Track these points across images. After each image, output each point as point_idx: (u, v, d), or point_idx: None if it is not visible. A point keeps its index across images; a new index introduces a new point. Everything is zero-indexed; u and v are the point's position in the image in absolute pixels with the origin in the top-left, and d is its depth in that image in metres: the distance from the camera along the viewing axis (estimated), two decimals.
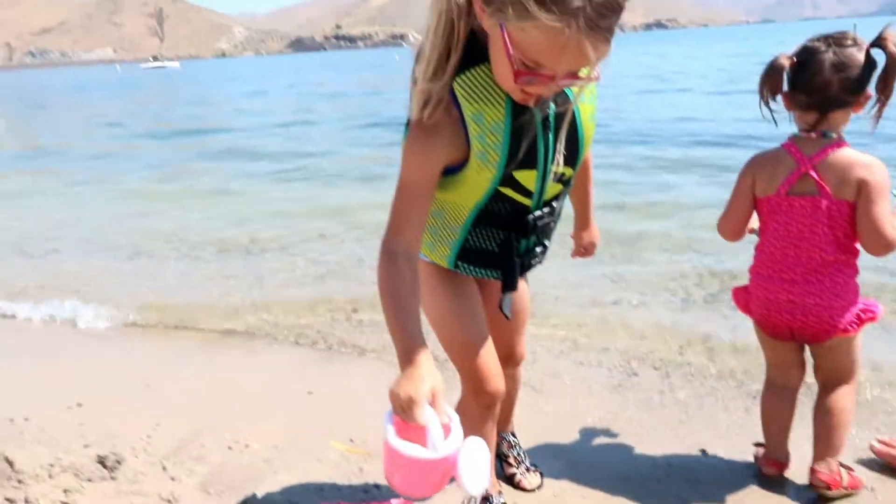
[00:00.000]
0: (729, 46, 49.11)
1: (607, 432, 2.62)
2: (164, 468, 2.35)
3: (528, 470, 2.28)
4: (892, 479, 2.24)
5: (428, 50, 1.43)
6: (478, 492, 1.23)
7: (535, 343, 3.34)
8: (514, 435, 2.33)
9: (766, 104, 2.03)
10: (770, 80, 2.01)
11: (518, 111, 1.49)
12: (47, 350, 3.66)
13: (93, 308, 4.19)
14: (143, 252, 5.56)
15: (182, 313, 4.07)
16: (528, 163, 1.57)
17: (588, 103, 1.63)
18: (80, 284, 4.73)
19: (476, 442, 1.26)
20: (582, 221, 2.20)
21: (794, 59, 1.98)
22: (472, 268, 1.78)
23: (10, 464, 2.30)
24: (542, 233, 1.76)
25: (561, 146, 1.60)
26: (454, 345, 1.83)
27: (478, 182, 1.57)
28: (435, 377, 1.28)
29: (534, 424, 2.59)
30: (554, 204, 1.73)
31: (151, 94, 34.73)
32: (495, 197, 1.61)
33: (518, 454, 2.30)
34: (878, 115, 1.94)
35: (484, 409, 1.86)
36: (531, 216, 1.68)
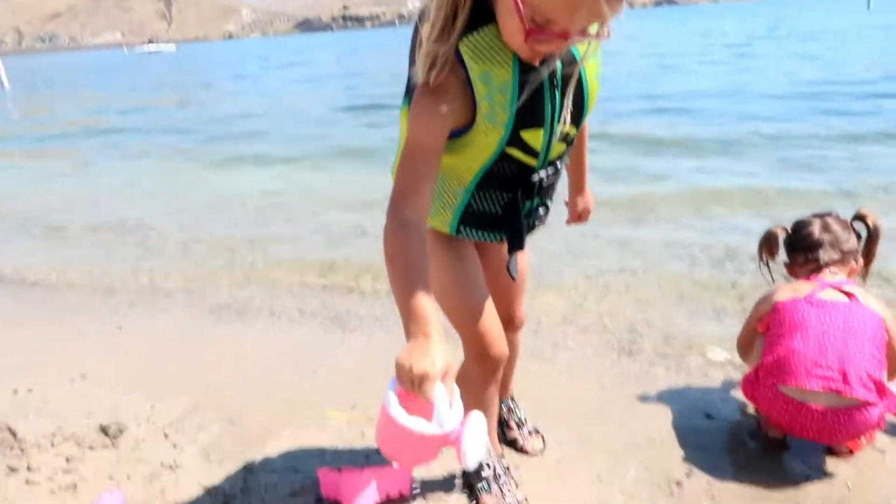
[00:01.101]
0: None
1: (612, 398, 2.61)
2: (165, 436, 2.35)
3: (530, 434, 2.27)
4: None
5: (433, 11, 1.39)
6: (474, 465, 1.25)
7: (537, 310, 3.32)
8: (513, 400, 2.32)
9: (766, 266, 2.43)
10: (767, 245, 2.42)
11: (525, 70, 1.46)
12: (51, 322, 3.65)
13: (92, 281, 4.18)
14: (144, 226, 5.53)
15: (185, 286, 4.06)
16: (535, 122, 1.54)
17: (593, 62, 1.59)
18: (81, 259, 4.72)
19: (477, 417, 1.26)
20: (577, 187, 2.16)
21: (788, 229, 2.38)
22: (475, 231, 1.75)
23: (13, 433, 2.30)
24: (545, 193, 1.74)
25: (568, 103, 1.56)
26: (457, 311, 1.80)
27: (485, 143, 1.53)
28: (448, 353, 1.25)
29: (536, 391, 2.57)
30: (557, 164, 1.70)
31: (143, 79, 34.22)
32: (501, 158, 1.57)
33: (519, 419, 2.29)
34: (865, 276, 2.35)
35: (487, 375, 1.84)
36: (536, 177, 1.65)
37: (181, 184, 7.17)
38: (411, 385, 1.22)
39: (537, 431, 2.29)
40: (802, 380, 2.01)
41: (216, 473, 2.13)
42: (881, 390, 2.00)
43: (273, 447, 2.27)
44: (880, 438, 2.20)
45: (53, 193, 6.96)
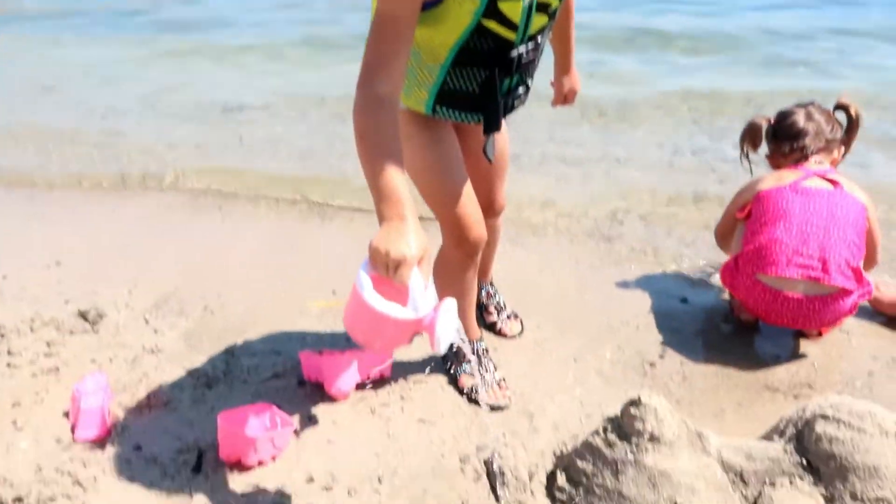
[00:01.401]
0: None
1: (589, 283, 2.63)
2: (145, 322, 2.35)
3: (508, 318, 2.30)
4: (867, 323, 2.29)
5: None
6: (446, 350, 1.25)
7: (518, 196, 3.29)
8: (492, 285, 2.33)
9: (747, 157, 2.41)
10: (750, 135, 2.39)
11: None
12: (24, 210, 3.57)
13: (67, 167, 4.07)
14: (118, 111, 5.32)
15: (156, 178, 3.96)
16: None
17: None
18: (55, 143, 4.56)
19: (449, 303, 1.25)
20: (563, 66, 2.08)
21: (771, 119, 2.35)
22: (451, 111, 1.68)
23: None
24: (525, 71, 1.66)
25: None
26: (434, 195, 1.77)
27: (459, 15, 1.45)
28: (424, 238, 1.22)
29: (516, 276, 2.59)
30: (538, 39, 1.62)
31: None
32: (478, 32, 1.49)
33: (498, 303, 2.31)
34: (840, 160, 2.34)
35: (466, 259, 1.83)
36: (515, 52, 1.57)
37: (135, 74, 6.80)
38: (386, 270, 1.20)
39: (516, 316, 2.32)
40: (782, 268, 2.03)
41: (198, 357, 2.15)
42: (858, 278, 2.03)
43: (253, 332, 2.28)
44: (847, 321, 2.25)
45: None
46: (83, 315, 2.33)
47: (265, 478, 1.65)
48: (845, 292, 2.01)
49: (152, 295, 2.53)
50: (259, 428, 1.74)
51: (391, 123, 1.32)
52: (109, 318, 2.34)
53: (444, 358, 2.06)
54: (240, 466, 1.68)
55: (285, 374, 2.05)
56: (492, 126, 1.68)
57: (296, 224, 3.25)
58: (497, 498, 1.59)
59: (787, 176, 2.20)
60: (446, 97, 1.64)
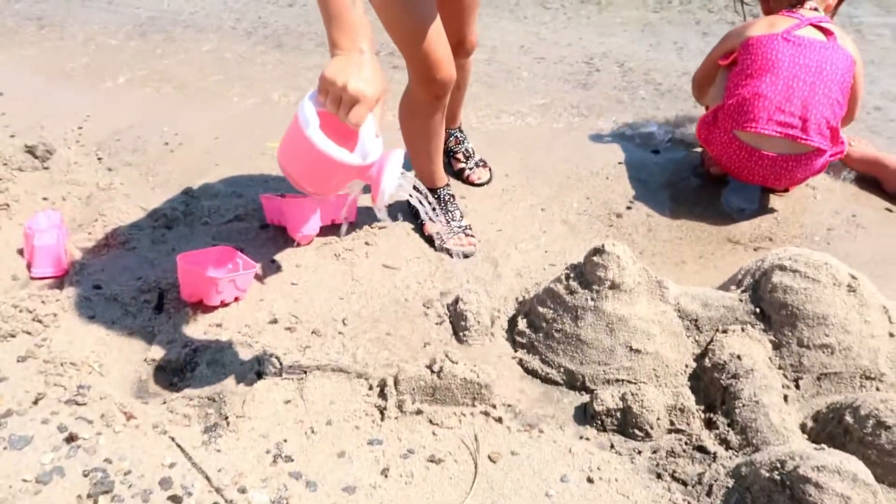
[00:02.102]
0: None
1: (561, 130, 2.57)
2: (98, 159, 2.25)
3: (477, 165, 2.25)
4: (833, 179, 2.30)
5: None
6: (386, 203, 1.18)
7: (492, 37, 3.13)
8: (461, 131, 2.26)
9: (741, 1, 2.31)
10: None
11: None
12: None
13: None
14: None
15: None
16: None
17: None
18: None
19: (398, 154, 1.17)
20: None
21: None
22: None
23: None
24: None
25: None
26: (401, 29, 1.65)
27: None
28: (383, 75, 1.12)
29: (486, 122, 2.51)
30: None
31: None
32: None
33: (467, 149, 2.25)
34: (835, 10, 2.23)
35: (433, 100, 1.74)
36: None
37: None
38: (338, 106, 1.11)
39: (484, 163, 2.27)
40: (762, 125, 1.98)
41: (156, 197, 2.08)
42: (834, 138, 2.00)
43: (213, 173, 2.20)
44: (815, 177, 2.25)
45: None
46: (30, 150, 2.21)
47: (228, 318, 1.65)
48: (819, 152, 1.99)
49: (104, 131, 2.40)
50: (220, 269, 1.72)
51: None
52: (60, 155, 2.23)
53: (409, 204, 2.02)
54: (202, 307, 1.67)
55: (247, 217, 2.01)
56: None
57: (254, 56, 3.07)
58: (459, 340, 1.62)
59: (780, 22, 2.09)
60: None
